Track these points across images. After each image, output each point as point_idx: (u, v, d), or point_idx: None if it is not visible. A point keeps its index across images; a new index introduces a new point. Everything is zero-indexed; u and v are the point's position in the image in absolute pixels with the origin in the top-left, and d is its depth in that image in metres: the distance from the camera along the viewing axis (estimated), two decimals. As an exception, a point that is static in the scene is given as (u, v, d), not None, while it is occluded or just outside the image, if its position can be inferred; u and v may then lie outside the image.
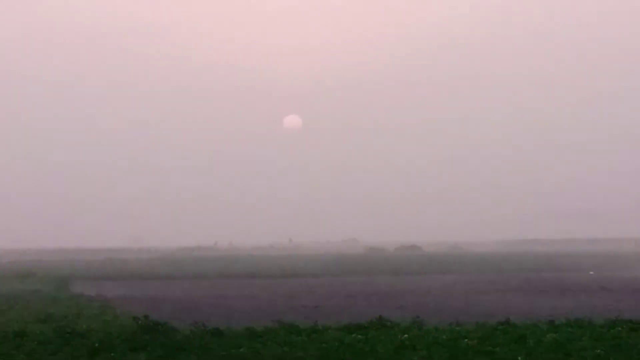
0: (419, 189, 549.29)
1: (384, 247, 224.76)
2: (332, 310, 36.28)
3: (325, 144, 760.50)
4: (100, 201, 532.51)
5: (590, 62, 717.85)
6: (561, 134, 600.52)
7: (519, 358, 18.98)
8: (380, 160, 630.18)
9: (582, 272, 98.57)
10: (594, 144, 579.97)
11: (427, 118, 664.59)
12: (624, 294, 48.93)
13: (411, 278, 73.59)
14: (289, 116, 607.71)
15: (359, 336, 24.76)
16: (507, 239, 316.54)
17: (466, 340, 23.34)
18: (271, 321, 27.26)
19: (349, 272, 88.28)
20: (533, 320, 28.35)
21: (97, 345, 22.23)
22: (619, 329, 25.22)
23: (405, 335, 24.73)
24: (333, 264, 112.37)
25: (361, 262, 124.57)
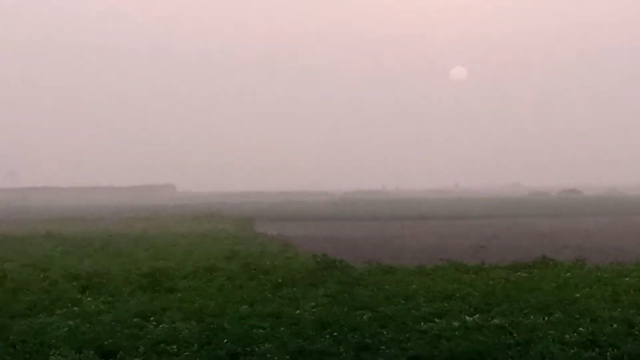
0: (578, 136, 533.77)
1: (547, 191, 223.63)
2: (497, 250, 36.28)
3: (489, 95, 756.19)
4: (279, 147, 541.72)
5: None
6: None
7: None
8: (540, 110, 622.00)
9: None
10: None
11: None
12: None
13: (573, 220, 71.81)
14: (455, 68, 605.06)
15: (524, 274, 24.68)
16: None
17: (627, 278, 23.03)
18: (440, 260, 27.84)
19: (513, 215, 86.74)
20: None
21: (280, 280, 23.25)
22: None
23: (568, 274, 24.47)
24: (498, 206, 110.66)
25: (525, 205, 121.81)
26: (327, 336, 14.26)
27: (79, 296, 20.09)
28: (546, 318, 15.75)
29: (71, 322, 16.14)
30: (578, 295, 18.92)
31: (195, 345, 13.72)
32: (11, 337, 14.42)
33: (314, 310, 17.36)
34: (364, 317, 16.22)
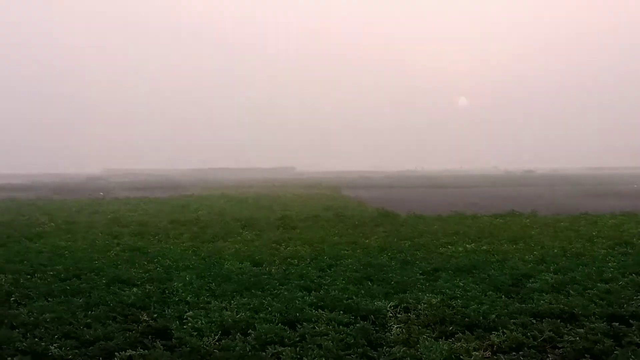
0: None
1: (527, 171, 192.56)
2: (484, 206, 34.14)
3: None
4: (353, 133, 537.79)
5: None
6: None
7: None
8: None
9: None
10: None
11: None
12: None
13: (530, 188, 67.82)
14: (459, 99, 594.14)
15: (501, 220, 23.84)
16: None
17: (562, 223, 22.14)
18: (451, 211, 27.32)
19: (494, 185, 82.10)
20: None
21: (356, 222, 23.16)
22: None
23: (527, 220, 23.69)
24: (486, 180, 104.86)
25: (503, 180, 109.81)
26: (384, 255, 14.30)
27: (240, 230, 20.47)
28: (514, 246, 15.52)
29: (236, 246, 16.45)
30: (533, 233, 18.53)
31: (308, 259, 13.87)
32: (202, 254, 14.88)
33: (376, 240, 17.41)
34: (406, 244, 16.18)
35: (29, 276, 11.80)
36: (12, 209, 32.13)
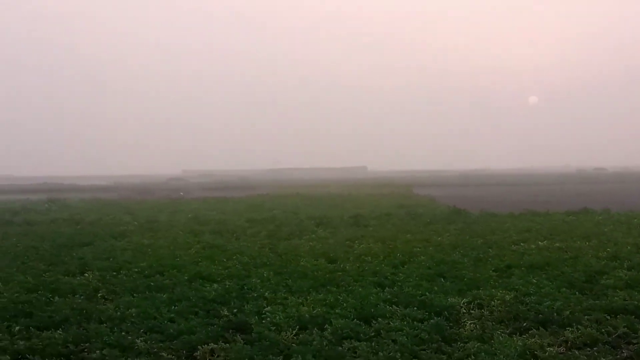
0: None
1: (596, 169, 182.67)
2: (556, 202, 33.63)
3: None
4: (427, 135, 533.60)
5: None
6: None
7: None
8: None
9: None
10: None
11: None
12: None
13: (601, 186, 64.65)
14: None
15: (573, 217, 23.42)
16: None
17: (636, 220, 21.35)
18: (523, 209, 26.53)
19: (564, 182, 78.81)
20: None
21: (428, 220, 23.00)
22: None
23: (600, 217, 23.25)
24: (555, 179, 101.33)
25: (572, 177, 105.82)
26: (457, 253, 14.16)
27: (315, 229, 20.66)
28: (587, 243, 14.91)
29: (311, 243, 16.66)
30: (606, 229, 17.72)
31: (381, 256, 13.85)
32: (278, 252, 15.11)
33: (448, 237, 17.20)
34: (478, 241, 15.96)
35: (114, 273, 12.25)
36: (98, 209, 33.81)
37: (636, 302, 8.72)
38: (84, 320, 8.68)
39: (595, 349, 7.07)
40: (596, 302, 8.94)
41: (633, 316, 8.24)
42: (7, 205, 36.76)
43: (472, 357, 6.96)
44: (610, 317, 8.25)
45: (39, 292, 10.43)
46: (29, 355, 7.22)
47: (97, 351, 7.23)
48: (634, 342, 7.31)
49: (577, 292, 9.59)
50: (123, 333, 7.95)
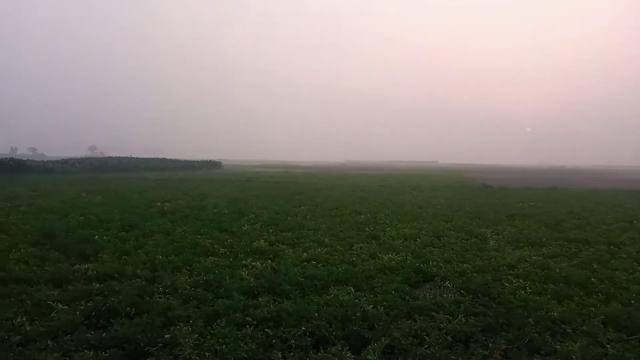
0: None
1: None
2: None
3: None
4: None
5: None
6: None
7: None
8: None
9: None
10: None
11: None
12: None
13: None
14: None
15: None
16: None
17: None
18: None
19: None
20: None
21: (470, 189, 23.54)
22: None
23: None
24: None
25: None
26: (485, 206, 14.34)
27: (411, 191, 21.60)
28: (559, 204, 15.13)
29: (409, 198, 17.62)
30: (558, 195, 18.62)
31: (446, 205, 14.99)
32: (393, 201, 16.02)
33: (482, 197, 17.79)
34: (497, 201, 16.22)
35: (315, 207, 13.53)
36: (306, 177, 35.24)
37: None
38: (301, 228, 10.09)
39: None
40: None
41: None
42: (247, 173, 39.45)
43: (492, 260, 7.50)
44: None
45: (280, 215, 12.43)
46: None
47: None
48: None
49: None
50: (319, 236, 9.06)
